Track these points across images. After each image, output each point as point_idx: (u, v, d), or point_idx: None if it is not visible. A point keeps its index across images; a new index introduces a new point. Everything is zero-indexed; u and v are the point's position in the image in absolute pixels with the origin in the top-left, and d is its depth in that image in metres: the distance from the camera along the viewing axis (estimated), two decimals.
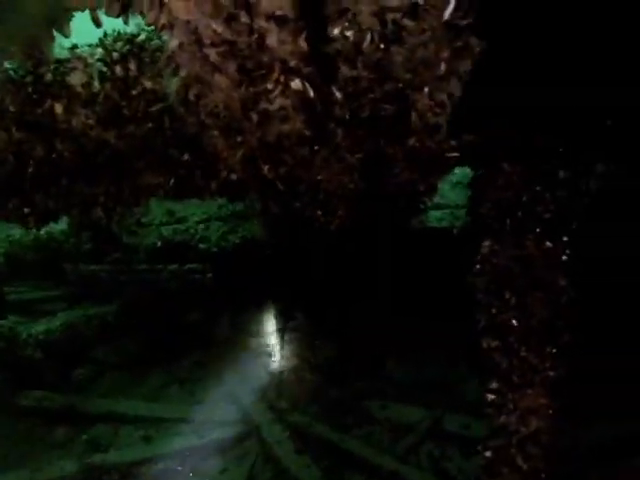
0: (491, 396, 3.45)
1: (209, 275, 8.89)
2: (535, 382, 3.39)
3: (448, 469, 6.33)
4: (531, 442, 3.39)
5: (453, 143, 3.68)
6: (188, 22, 2.03)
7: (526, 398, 3.38)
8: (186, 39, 2.13)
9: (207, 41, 2.11)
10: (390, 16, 2.82)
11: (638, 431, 5.67)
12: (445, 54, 3.00)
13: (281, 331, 8.46)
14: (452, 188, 8.17)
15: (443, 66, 3.07)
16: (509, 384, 3.40)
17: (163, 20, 2.02)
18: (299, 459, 6.45)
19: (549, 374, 3.40)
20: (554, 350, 3.42)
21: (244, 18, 2.04)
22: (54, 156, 3.94)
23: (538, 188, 3.55)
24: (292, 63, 2.41)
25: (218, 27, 2.03)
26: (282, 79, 2.41)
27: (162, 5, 1.94)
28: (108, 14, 2.24)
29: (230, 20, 2.04)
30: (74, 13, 2.41)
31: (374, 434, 7.01)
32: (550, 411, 3.43)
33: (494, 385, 3.44)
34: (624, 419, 5.73)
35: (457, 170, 7.87)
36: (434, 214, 8.16)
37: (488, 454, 3.45)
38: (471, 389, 7.05)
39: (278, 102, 2.59)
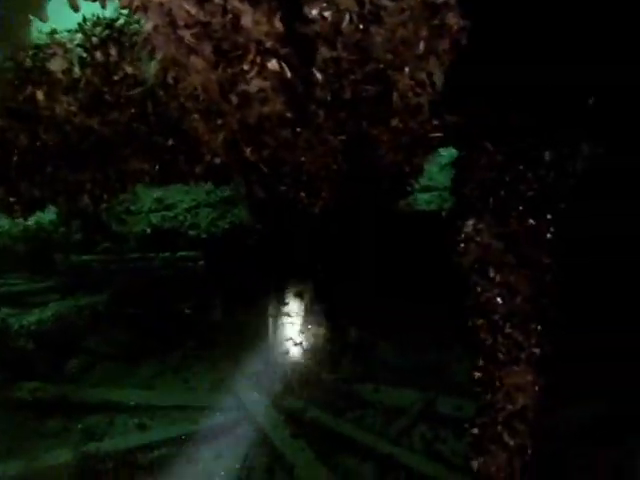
0: (477, 374, 3.48)
1: (200, 262, 8.89)
2: (521, 359, 3.42)
3: (441, 451, 6.39)
4: (517, 419, 3.43)
5: (436, 123, 3.68)
6: (161, 4, 2.02)
7: (512, 375, 3.41)
8: (160, 21, 2.12)
9: (181, 23, 2.11)
10: None
11: (619, 410, 5.71)
12: (424, 33, 3.00)
13: (273, 316, 8.48)
14: (440, 170, 8.17)
15: (422, 45, 3.07)
16: (495, 362, 3.43)
17: (137, 2, 2.01)
18: (294, 443, 6.50)
19: (534, 351, 3.43)
20: (539, 327, 3.45)
21: None
22: (38, 144, 3.92)
23: (521, 167, 3.56)
24: (268, 44, 2.40)
25: (191, 8, 2.03)
26: (258, 60, 2.40)
27: None
28: None
29: (203, 1, 2.03)
30: None
31: (367, 417, 7.07)
32: (536, 388, 3.46)
33: (480, 363, 3.47)
34: (604, 398, 5.77)
35: (445, 152, 7.88)
36: (422, 197, 8.16)
37: (475, 431, 3.48)
38: (463, 371, 7.09)
39: (256, 83, 2.58)
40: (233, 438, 6.90)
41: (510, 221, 3.47)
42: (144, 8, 2.06)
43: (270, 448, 6.57)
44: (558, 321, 3.49)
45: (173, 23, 2.12)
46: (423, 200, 8.16)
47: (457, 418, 6.63)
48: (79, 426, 7.27)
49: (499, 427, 3.41)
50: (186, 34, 2.15)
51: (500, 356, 3.39)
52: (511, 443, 3.39)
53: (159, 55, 2.31)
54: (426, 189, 8.19)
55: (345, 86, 3.35)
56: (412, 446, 6.55)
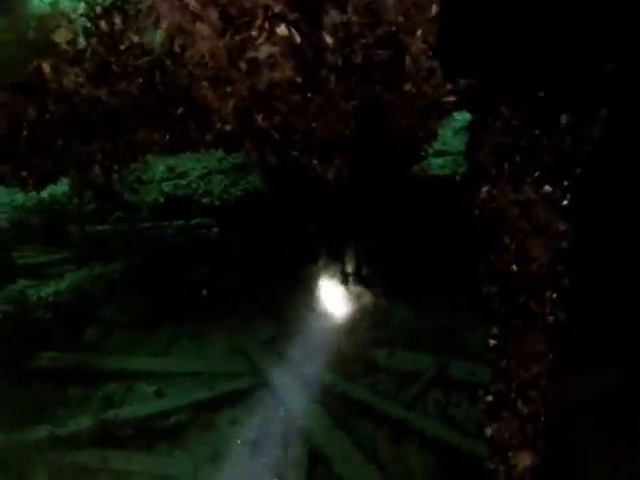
0: (492, 341, 3.46)
1: (214, 229, 8.89)
2: (535, 327, 3.39)
3: (455, 415, 6.43)
4: (531, 387, 3.42)
5: (450, 87, 3.61)
6: None
7: (526, 343, 3.39)
8: None
9: None
10: None
11: (635, 379, 5.70)
12: None
13: (287, 282, 8.49)
14: (454, 135, 8.06)
15: (434, 8, 2.99)
16: (509, 329, 3.40)
17: None
18: (310, 408, 6.58)
19: (549, 319, 3.40)
20: (554, 295, 3.41)
21: None
22: (47, 117, 3.90)
23: (537, 132, 3.48)
24: (276, 9, 2.35)
25: None
26: (267, 25, 2.35)
27: None
28: None
29: None
30: None
31: (381, 382, 7.11)
32: (550, 356, 3.44)
33: (494, 330, 3.45)
34: (620, 367, 5.76)
35: (459, 116, 7.76)
36: (436, 161, 8.07)
37: (489, 398, 3.49)
38: (476, 336, 7.11)
39: (265, 50, 2.53)
40: (249, 404, 7.00)
41: (525, 187, 3.41)
42: None
43: (286, 414, 6.65)
44: (574, 289, 3.45)
45: None
46: (437, 164, 8.07)
47: (470, 383, 6.67)
48: (99, 394, 7.41)
49: (513, 394, 3.40)
50: (191, 1, 2.09)
51: (514, 324, 3.37)
52: (525, 410, 3.39)
53: (164, 24, 2.26)
54: (440, 153, 8.09)
55: (356, 50, 3.28)
56: (426, 411, 6.60)
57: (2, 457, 6.17)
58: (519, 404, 3.41)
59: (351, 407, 6.68)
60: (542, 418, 3.52)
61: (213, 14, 2.18)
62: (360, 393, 6.80)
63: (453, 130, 8.10)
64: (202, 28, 2.24)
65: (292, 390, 6.93)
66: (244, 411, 6.89)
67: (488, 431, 3.55)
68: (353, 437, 6.18)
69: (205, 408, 6.93)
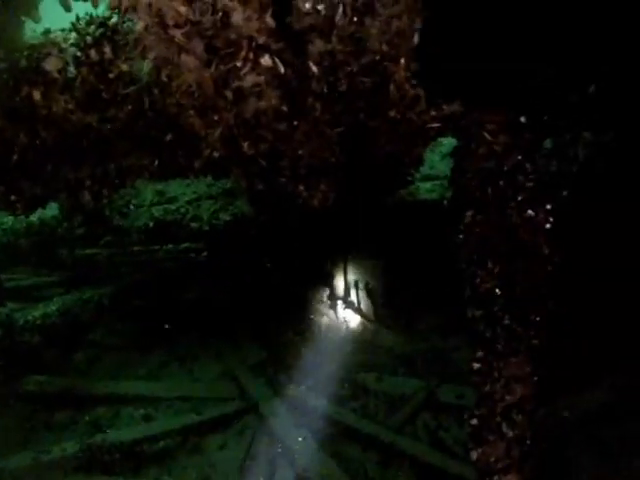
0: (476, 365, 3.49)
1: (204, 254, 8.92)
2: (520, 350, 3.43)
3: (444, 439, 6.41)
4: (516, 410, 3.44)
5: (434, 114, 3.68)
6: (150, 4, 2.02)
7: (511, 366, 3.42)
8: (150, 21, 2.12)
9: (171, 22, 2.11)
10: None
11: (624, 397, 5.72)
12: (418, 25, 2.99)
13: (276, 307, 8.50)
14: (442, 159, 8.16)
15: (417, 38, 3.07)
16: (494, 353, 3.44)
17: (125, 3, 2.02)
18: (296, 432, 6.55)
19: (533, 342, 3.44)
20: (538, 318, 3.45)
21: None
22: (38, 142, 3.94)
23: (519, 157, 3.55)
24: (260, 40, 2.41)
25: (181, 7, 2.03)
26: (251, 56, 2.41)
27: None
28: None
29: (192, 0, 2.03)
30: None
31: (370, 406, 7.10)
32: (535, 379, 3.47)
33: (479, 354, 3.48)
34: (609, 385, 5.78)
35: (446, 141, 7.87)
36: (424, 186, 8.15)
37: (474, 422, 3.50)
38: (464, 359, 7.12)
39: (250, 79, 2.59)
40: (237, 429, 6.96)
41: (509, 212, 3.47)
42: (133, 9, 2.06)
43: (273, 438, 6.62)
44: (558, 312, 3.50)
45: (163, 23, 2.12)
46: (425, 189, 8.15)
47: (459, 406, 6.66)
48: (86, 418, 7.34)
49: (498, 418, 3.43)
50: (177, 33, 2.15)
51: (499, 347, 3.40)
52: (510, 434, 3.41)
53: (151, 55, 2.31)
54: (428, 178, 8.18)
55: (341, 78, 3.35)
56: (415, 434, 6.58)
57: None
58: (504, 427, 3.43)
59: (339, 431, 6.64)
60: (528, 441, 3.54)
61: (199, 46, 2.24)
62: (348, 417, 6.77)
63: (440, 155, 8.20)
64: (188, 60, 2.29)
65: (280, 414, 6.90)
66: (232, 435, 6.85)
67: (474, 454, 3.57)
68: (341, 460, 6.15)
69: (194, 432, 6.87)
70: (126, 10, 2.07)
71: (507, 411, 3.43)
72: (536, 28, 3.38)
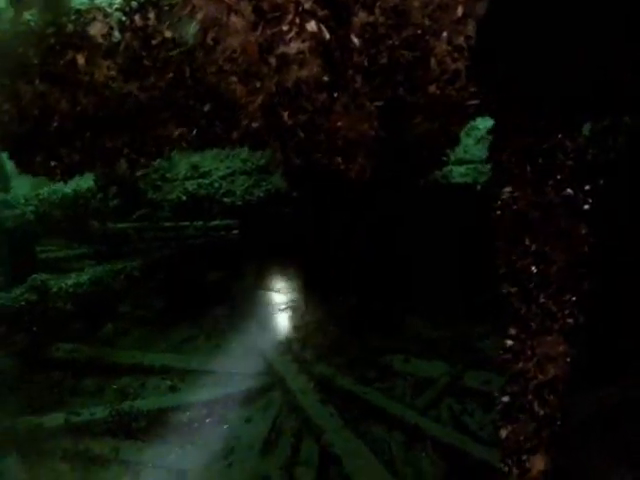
0: (510, 342, 3.47)
1: (234, 232, 8.97)
2: (554, 329, 3.40)
3: (468, 423, 6.41)
4: (548, 389, 3.42)
5: (473, 90, 3.64)
6: None
7: (544, 345, 3.40)
8: None
9: None
10: None
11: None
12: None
13: (305, 285, 8.55)
14: (476, 143, 8.07)
15: (460, 9, 3.04)
16: (528, 330, 3.41)
17: None
18: (323, 409, 6.60)
19: (568, 322, 3.40)
20: (573, 298, 3.42)
21: None
22: (78, 109, 3.99)
23: (560, 135, 3.49)
24: (307, 5, 2.40)
25: None
26: (297, 21, 2.40)
27: None
28: None
29: None
30: None
31: (396, 388, 7.12)
32: (568, 359, 3.45)
33: (513, 331, 3.46)
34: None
35: (481, 125, 7.79)
36: (457, 169, 8.08)
37: (505, 399, 3.49)
38: (492, 345, 7.11)
39: (295, 45, 2.59)
40: (262, 403, 7.04)
41: (547, 190, 3.42)
42: None
43: (299, 413, 6.68)
44: (594, 292, 3.46)
45: None
46: (458, 172, 8.08)
47: (484, 392, 6.65)
48: (113, 386, 7.51)
49: (529, 396, 3.41)
50: None
51: (533, 325, 3.38)
52: (541, 413, 3.39)
53: (199, 15, 2.32)
54: (462, 162, 8.10)
55: (382, 51, 3.33)
56: (439, 417, 6.58)
57: (20, 440, 6.28)
58: (536, 406, 3.42)
59: (364, 409, 6.68)
60: (558, 422, 3.52)
61: (247, 8, 2.25)
62: (374, 396, 6.80)
63: (475, 139, 8.11)
64: (236, 21, 2.30)
65: (306, 390, 6.95)
66: (258, 410, 6.93)
67: (503, 432, 3.55)
68: (366, 439, 6.18)
69: (219, 405, 6.96)
70: None
71: (539, 390, 3.41)
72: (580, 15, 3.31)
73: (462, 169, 8.07)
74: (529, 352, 3.38)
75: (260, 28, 2.39)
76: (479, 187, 7.77)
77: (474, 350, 7.53)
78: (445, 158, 5.66)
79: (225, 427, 6.69)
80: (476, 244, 4.99)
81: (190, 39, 2.86)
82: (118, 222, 9.48)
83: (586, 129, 5.38)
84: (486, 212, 3.66)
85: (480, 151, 7.96)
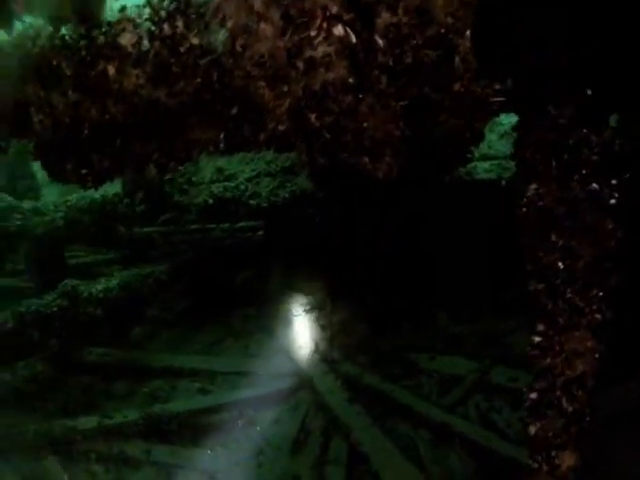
0: (537, 338, 3.48)
1: (260, 232, 9.06)
2: (581, 325, 3.40)
3: (496, 421, 6.40)
4: (576, 385, 3.42)
5: (497, 87, 3.67)
6: None
7: (572, 341, 3.40)
8: None
9: None
10: None
11: None
12: None
13: (331, 285, 8.59)
14: (500, 139, 8.06)
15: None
16: (555, 326, 3.42)
17: None
18: (350, 408, 6.65)
19: (596, 317, 3.40)
20: (601, 293, 3.42)
21: None
22: (108, 117, 4.09)
23: (585, 130, 3.50)
24: (334, 9, 2.46)
25: None
26: (325, 25, 2.46)
27: None
28: None
29: None
30: None
31: (423, 385, 7.14)
32: (596, 355, 3.45)
33: (540, 327, 3.47)
34: None
35: (505, 121, 7.77)
36: (482, 165, 8.08)
37: (533, 396, 3.50)
38: (519, 341, 7.08)
39: (322, 49, 2.65)
40: (291, 403, 7.11)
41: (573, 185, 3.44)
42: None
43: (327, 412, 6.74)
44: (621, 287, 3.46)
45: None
46: (483, 168, 8.08)
47: (512, 389, 6.64)
48: (144, 389, 7.64)
49: (557, 392, 3.42)
50: (256, 2, 2.22)
51: (560, 321, 3.38)
52: (569, 409, 3.39)
53: (230, 23, 2.40)
54: (486, 157, 8.10)
55: (406, 51, 3.37)
56: (467, 415, 6.59)
57: (56, 443, 6.42)
58: (564, 402, 3.42)
59: (391, 408, 6.71)
60: (587, 418, 3.52)
61: (276, 15, 2.31)
62: (401, 394, 6.83)
63: (498, 134, 8.11)
64: (265, 28, 2.37)
65: (334, 390, 7.01)
66: (287, 410, 6.99)
67: (532, 429, 3.56)
68: (393, 437, 6.22)
69: (248, 406, 7.04)
70: None
71: (567, 386, 3.41)
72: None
73: (486, 165, 8.08)
74: (557, 348, 3.39)
75: (289, 34, 2.45)
76: (503, 183, 7.76)
77: (501, 346, 7.52)
78: (470, 155, 5.68)
79: (255, 428, 6.76)
80: (501, 240, 4.99)
81: (219, 46, 2.94)
82: (145, 226, 9.62)
83: (613, 119, 5.35)
84: (511, 208, 3.68)
85: (504, 147, 7.96)
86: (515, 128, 3.76)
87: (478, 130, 4.28)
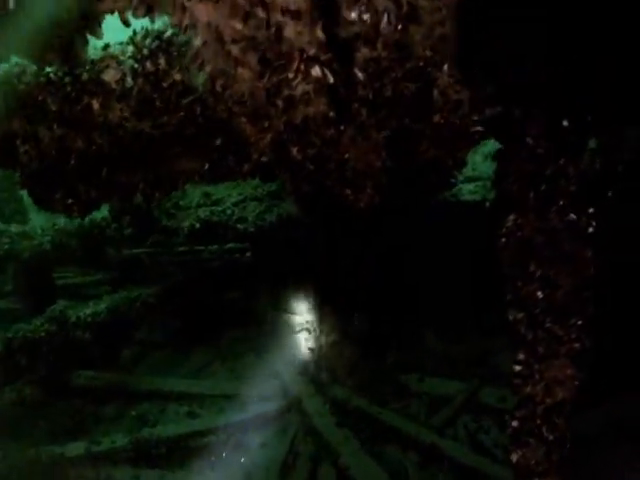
0: (518, 367, 3.53)
1: (248, 254, 9.09)
2: (560, 353, 3.45)
3: (484, 442, 6.42)
4: (556, 413, 3.46)
5: (476, 118, 3.73)
6: (209, 23, 2.15)
7: (552, 369, 3.44)
8: (209, 37, 2.25)
9: (228, 38, 2.23)
10: None
11: None
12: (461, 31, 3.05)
13: (319, 307, 8.62)
14: (484, 160, 8.13)
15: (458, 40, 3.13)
16: (535, 355, 3.47)
17: (186, 22, 2.15)
18: (339, 431, 6.65)
19: (574, 346, 3.45)
20: (579, 322, 3.47)
21: (261, 14, 2.16)
22: (94, 148, 4.13)
23: (561, 161, 3.57)
24: (311, 51, 2.51)
25: (237, 25, 2.15)
26: (302, 67, 2.51)
27: (184, 9, 2.06)
28: (135, 16, 2.38)
29: (248, 17, 2.15)
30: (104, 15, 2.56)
31: (412, 407, 7.15)
32: (576, 382, 3.49)
33: (520, 356, 3.51)
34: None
35: (489, 142, 7.83)
36: (466, 187, 8.14)
37: (515, 424, 3.54)
38: (507, 361, 7.10)
39: (301, 88, 2.70)
40: (279, 426, 7.10)
41: (551, 216, 3.49)
42: (193, 26, 2.20)
43: (316, 436, 6.73)
44: (599, 315, 3.51)
45: (220, 39, 2.25)
46: (467, 190, 8.15)
47: (500, 409, 6.66)
48: (133, 413, 7.61)
49: (538, 420, 3.45)
50: (233, 48, 2.27)
51: (540, 350, 3.43)
52: (550, 437, 3.43)
53: (208, 68, 2.44)
54: (470, 179, 8.17)
55: (386, 84, 3.43)
56: (456, 436, 6.60)
57: (44, 470, 6.38)
58: (544, 430, 3.46)
59: (380, 431, 6.72)
60: (568, 445, 3.56)
61: (253, 59, 2.36)
62: (389, 417, 6.84)
63: (483, 155, 8.18)
64: (243, 72, 2.42)
65: (322, 413, 7.01)
66: (275, 433, 6.98)
67: (514, 457, 3.59)
68: (381, 460, 6.22)
69: (237, 430, 7.03)
70: (186, 28, 2.21)
71: (548, 414, 3.45)
72: (575, 29, 3.40)
73: (471, 186, 8.14)
74: (537, 376, 3.43)
75: (267, 76, 2.50)
76: (488, 204, 7.82)
77: (489, 366, 7.55)
78: (454, 180, 5.75)
79: (243, 451, 6.74)
80: (486, 260, 5.04)
81: (200, 87, 2.99)
82: (133, 248, 9.63)
83: (592, 142, 5.43)
84: (495, 228, 3.73)
85: (489, 168, 8.00)
86: (495, 158, 3.82)
87: (460, 157, 4.35)
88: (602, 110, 3.75)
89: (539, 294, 3.44)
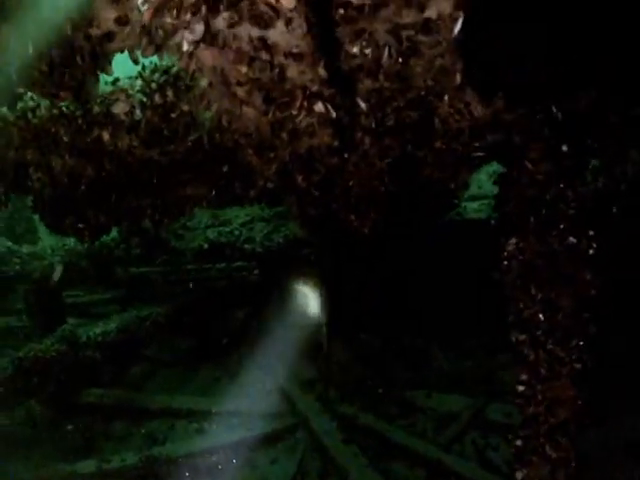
0: (521, 387, 3.59)
1: (255, 272, 9.18)
2: (562, 374, 3.51)
3: (492, 458, 6.43)
4: (559, 432, 3.52)
5: (477, 145, 3.82)
6: (215, 67, 2.26)
7: (554, 389, 3.51)
8: (214, 80, 2.36)
9: (233, 80, 2.34)
10: (404, 33, 2.98)
11: None
12: (460, 65, 3.15)
13: (327, 324, 8.67)
14: (489, 178, 8.20)
15: (459, 76, 3.22)
16: (537, 376, 3.53)
17: (193, 66, 2.26)
18: (346, 449, 6.69)
19: (576, 366, 3.52)
20: (580, 342, 3.53)
21: (265, 57, 2.26)
22: (103, 175, 4.25)
23: (561, 185, 3.64)
24: (313, 88, 2.60)
25: (242, 68, 2.25)
26: (305, 104, 2.61)
27: (191, 54, 2.17)
28: (144, 56, 2.50)
29: (252, 61, 2.25)
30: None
31: (419, 423, 7.18)
32: (578, 402, 3.55)
33: (523, 377, 3.58)
34: None
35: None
36: (471, 205, 8.21)
37: (519, 443, 3.60)
38: (512, 378, 7.13)
39: (305, 122, 2.79)
40: (288, 443, 7.14)
41: (551, 240, 3.57)
42: (200, 70, 2.30)
43: (324, 453, 6.77)
44: (600, 336, 3.57)
45: (226, 81, 2.35)
46: (472, 209, 8.21)
47: (507, 425, 6.67)
48: (142, 430, 7.66)
49: (541, 439, 3.51)
50: (238, 90, 2.38)
51: (542, 371, 3.50)
52: (554, 455, 3.49)
53: (214, 107, 2.55)
54: (475, 198, 8.23)
55: (388, 113, 3.54)
56: (463, 453, 6.62)
57: None
58: (548, 449, 3.51)
59: (387, 447, 6.75)
60: (573, 463, 3.61)
61: (257, 99, 2.46)
62: (397, 434, 6.88)
63: (487, 174, 8.25)
64: (248, 111, 2.52)
65: (329, 430, 7.05)
66: (284, 450, 7.03)
67: (519, 475, 3.65)
68: (389, 477, 6.25)
69: (245, 447, 7.08)
70: (194, 71, 2.31)
71: (551, 433, 3.51)
72: (574, 52, 3.46)
73: (475, 205, 8.21)
74: (539, 397, 3.49)
75: (271, 113, 2.60)
76: (493, 222, 7.88)
77: (495, 382, 7.57)
78: (457, 201, 5.83)
79: (252, 469, 6.78)
80: (492, 277, 5.10)
81: (207, 123, 3.10)
82: (141, 268, 9.74)
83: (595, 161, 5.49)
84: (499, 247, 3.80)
85: (493, 186, 8.07)
86: (496, 182, 3.91)
87: (462, 180, 4.43)
88: (604, 132, 3.83)
89: (541, 316, 3.51)
